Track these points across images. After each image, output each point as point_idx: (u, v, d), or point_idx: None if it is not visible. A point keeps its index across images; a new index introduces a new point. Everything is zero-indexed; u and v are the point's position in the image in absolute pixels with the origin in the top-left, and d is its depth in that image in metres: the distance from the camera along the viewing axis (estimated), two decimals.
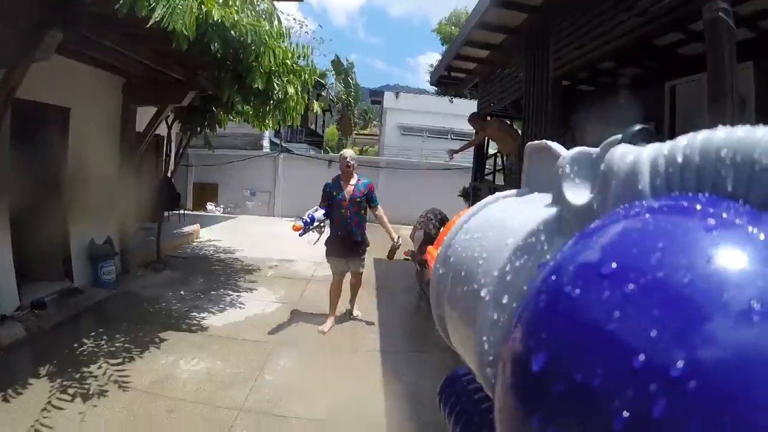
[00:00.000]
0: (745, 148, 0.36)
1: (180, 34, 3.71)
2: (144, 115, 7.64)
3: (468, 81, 9.24)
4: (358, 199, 5.42)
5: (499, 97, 7.46)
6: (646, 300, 0.30)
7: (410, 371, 4.70)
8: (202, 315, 5.83)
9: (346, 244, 5.47)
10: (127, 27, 4.98)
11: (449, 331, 0.63)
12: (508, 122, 7.88)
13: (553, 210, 0.53)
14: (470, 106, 22.75)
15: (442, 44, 31.64)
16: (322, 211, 5.36)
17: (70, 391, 3.84)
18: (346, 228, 5.40)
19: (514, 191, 0.68)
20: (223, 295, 6.74)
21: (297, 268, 8.78)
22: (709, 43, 3.04)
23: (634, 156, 0.43)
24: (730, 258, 0.30)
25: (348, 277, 5.78)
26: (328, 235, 5.52)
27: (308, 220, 5.23)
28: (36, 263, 6.21)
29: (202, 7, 3.93)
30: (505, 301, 0.50)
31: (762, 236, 0.31)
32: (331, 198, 5.44)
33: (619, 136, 0.48)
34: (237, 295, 6.76)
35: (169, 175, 9.37)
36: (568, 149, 0.60)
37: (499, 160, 9.63)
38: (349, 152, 5.72)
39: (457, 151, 8.79)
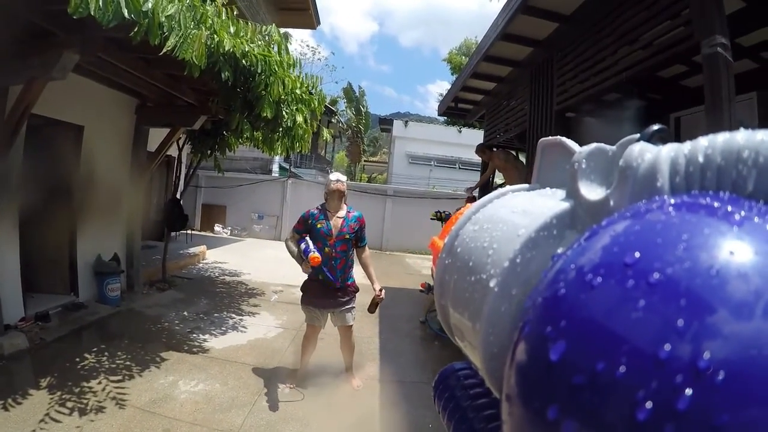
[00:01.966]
0: (766, 149, 0.36)
1: (193, 63, 3.85)
2: (155, 135, 7.81)
3: (475, 112, 9.35)
4: (347, 236, 4.42)
5: (504, 129, 7.54)
6: (672, 290, 0.29)
7: (407, 400, 4.69)
8: (203, 337, 5.86)
9: (327, 292, 4.49)
10: (141, 52, 5.15)
11: (452, 322, 0.61)
12: (514, 153, 7.95)
13: (566, 205, 0.53)
14: (478, 136, 22.88)
15: (452, 73, 31.87)
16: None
17: (69, 404, 3.89)
18: (329, 270, 4.39)
19: (525, 185, 0.67)
20: (226, 317, 6.76)
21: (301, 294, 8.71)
22: (707, 77, 3.10)
23: (654, 154, 0.43)
24: (755, 252, 0.30)
25: (329, 333, 4.98)
26: (307, 279, 4.58)
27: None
28: (42, 276, 6.33)
29: (215, 36, 4.07)
30: (513, 293, 0.49)
31: None
32: (312, 230, 4.40)
33: (637, 135, 0.49)
34: (239, 319, 6.79)
35: (178, 195, 9.49)
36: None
37: None
38: (340, 176, 4.59)
39: (474, 188, 8.85)
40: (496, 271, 0.50)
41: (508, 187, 0.67)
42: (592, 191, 0.51)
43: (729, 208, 0.34)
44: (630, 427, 0.27)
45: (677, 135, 6.10)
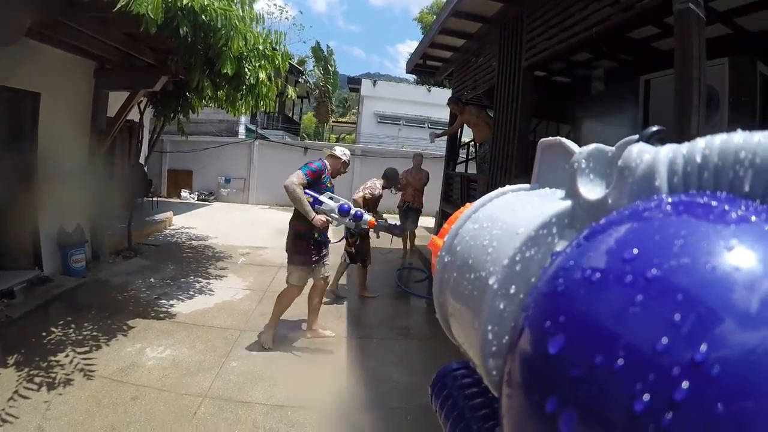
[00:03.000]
0: (764, 151, 0.37)
1: (149, 18, 3.66)
2: (116, 100, 7.50)
3: (444, 69, 9.27)
4: None
5: (472, 86, 7.49)
6: (669, 284, 0.30)
7: (374, 357, 4.77)
8: (170, 302, 5.80)
9: (319, 249, 4.77)
10: (95, 10, 4.89)
11: (450, 320, 0.61)
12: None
13: (566, 204, 0.53)
14: (447, 95, 22.82)
15: (423, 33, 31.52)
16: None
17: (37, 380, 3.80)
18: (325, 229, 4.70)
19: (524, 185, 0.67)
20: (193, 282, 6.70)
21: (268, 255, 8.76)
22: (678, 34, 3.07)
23: (652, 154, 0.44)
24: (751, 249, 0.30)
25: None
26: (301, 238, 4.68)
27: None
28: (4, 252, 6.13)
29: None
30: (512, 291, 0.49)
31: None
32: (319, 186, 4.60)
33: (636, 136, 0.48)
34: (206, 282, 6.73)
35: (141, 161, 9.24)
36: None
37: (472, 150, 9.68)
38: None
39: (439, 135, 8.90)
40: (496, 268, 0.51)
41: (507, 187, 0.67)
42: (591, 191, 0.51)
43: (726, 207, 0.34)
44: (627, 419, 0.27)
45: (647, 97, 6.13)
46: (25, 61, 5.62)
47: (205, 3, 4.26)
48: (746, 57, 4.84)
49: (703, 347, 0.27)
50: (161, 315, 5.38)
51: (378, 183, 6.58)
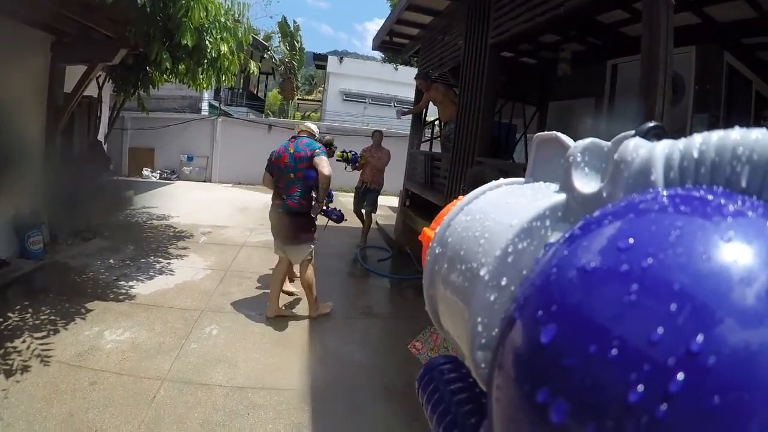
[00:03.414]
0: (761, 147, 0.37)
1: None
2: (73, 75, 7.21)
3: (410, 47, 9.22)
4: None
5: (438, 63, 7.45)
6: (665, 274, 0.30)
7: (336, 337, 4.78)
8: (130, 283, 5.68)
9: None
10: None
11: (440, 311, 0.61)
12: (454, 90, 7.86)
13: (560, 197, 0.53)
14: (415, 74, 22.80)
15: (392, 10, 31.19)
16: None
17: None
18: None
19: (519, 179, 0.67)
20: (153, 262, 6.57)
21: (230, 234, 8.67)
22: (647, 16, 3.11)
23: (648, 149, 0.44)
24: (747, 242, 0.30)
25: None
26: (308, 216, 4.92)
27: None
28: None
29: None
30: (504, 282, 0.49)
31: None
32: None
33: (633, 131, 0.48)
34: (167, 263, 6.61)
35: (101, 138, 8.97)
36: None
37: (437, 129, 9.67)
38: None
39: (406, 113, 8.81)
40: (488, 260, 0.51)
41: (501, 180, 0.67)
42: (585, 184, 0.52)
43: (722, 201, 0.34)
44: (621, 409, 0.27)
45: (613, 82, 6.22)
46: None
47: None
48: (714, 47, 4.93)
49: (700, 338, 0.27)
50: (120, 297, 5.27)
51: None
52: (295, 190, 4.70)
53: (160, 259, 6.74)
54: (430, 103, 8.27)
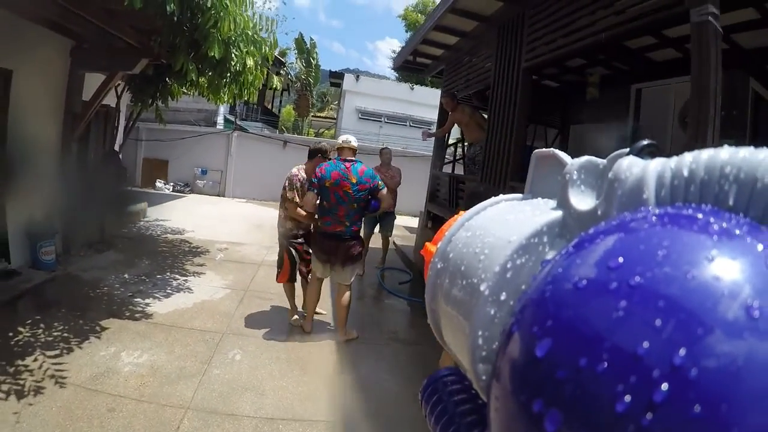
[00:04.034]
0: (748, 166, 0.38)
1: None
2: (91, 83, 7.13)
3: (433, 67, 9.12)
4: None
5: (464, 85, 7.35)
6: (651, 292, 0.31)
7: (364, 363, 4.57)
8: (146, 301, 5.48)
9: None
10: None
11: (442, 325, 0.63)
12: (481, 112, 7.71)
13: (557, 214, 0.54)
14: (430, 93, 22.85)
15: (407, 31, 31.40)
16: None
17: (4, 387, 3.50)
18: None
19: (517, 195, 0.69)
20: (170, 279, 6.39)
21: (247, 251, 8.50)
22: (696, 46, 3.07)
23: (641, 167, 0.45)
24: (731, 260, 0.32)
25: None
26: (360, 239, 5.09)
27: None
28: None
29: None
30: (503, 297, 0.51)
31: (759, 246, 0.33)
32: None
33: (627, 149, 0.50)
34: (184, 280, 6.41)
35: (116, 148, 8.88)
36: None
37: (460, 150, 9.53)
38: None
39: (432, 134, 8.56)
40: (487, 275, 0.52)
41: (501, 196, 0.71)
42: (581, 201, 0.53)
43: (709, 219, 0.36)
44: (609, 419, 0.29)
45: (637, 106, 6.16)
46: None
47: None
48: (740, 73, 4.94)
49: (682, 352, 0.28)
50: (137, 315, 5.07)
51: (295, 168, 5.16)
52: (357, 218, 4.79)
53: (177, 276, 6.56)
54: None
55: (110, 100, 7.92)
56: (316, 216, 4.81)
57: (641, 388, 0.28)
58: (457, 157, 9.59)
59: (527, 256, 0.52)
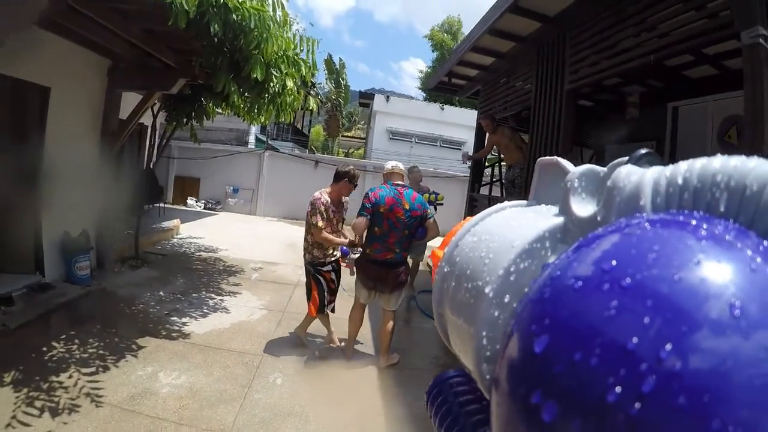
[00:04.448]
0: (738, 175, 0.40)
1: (180, 10, 3.37)
2: (127, 101, 7.24)
3: (468, 88, 9.06)
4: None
5: (503, 107, 7.25)
6: (641, 292, 0.33)
7: (407, 390, 4.40)
8: (182, 320, 5.42)
9: None
10: (116, 2, 4.64)
11: (448, 327, 0.65)
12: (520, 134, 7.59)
13: (559, 220, 0.57)
14: (461, 114, 22.82)
15: (433, 51, 31.62)
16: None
17: (38, 404, 3.44)
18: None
19: (522, 201, 0.72)
20: (205, 298, 6.33)
21: (282, 271, 8.42)
22: (748, 67, 3.07)
23: (638, 176, 0.48)
24: (717, 263, 0.34)
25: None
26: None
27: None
28: (4, 254, 5.78)
29: None
30: (506, 300, 0.53)
31: (748, 251, 0.35)
32: None
33: (626, 158, 0.52)
34: (220, 299, 6.35)
35: (151, 166, 8.96)
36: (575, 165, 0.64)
37: (497, 170, 9.42)
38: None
39: (472, 157, 8.40)
40: (492, 278, 0.55)
41: (506, 203, 0.72)
42: (582, 208, 0.56)
43: (699, 225, 0.38)
44: (601, 408, 0.31)
45: (674, 125, 6.04)
46: (35, 53, 5.34)
47: (240, 0, 3.99)
48: None
49: (669, 347, 0.30)
50: (173, 334, 5.00)
51: (318, 192, 4.87)
52: (407, 244, 4.68)
53: (213, 295, 6.50)
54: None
55: (145, 118, 8.01)
56: (363, 242, 4.70)
57: (631, 380, 0.30)
58: (494, 179, 9.47)
59: (530, 260, 0.55)
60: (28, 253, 6.04)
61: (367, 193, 4.62)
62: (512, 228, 0.60)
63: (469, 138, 21.72)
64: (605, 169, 0.56)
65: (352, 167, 4.96)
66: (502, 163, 8.79)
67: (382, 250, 4.56)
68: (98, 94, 6.85)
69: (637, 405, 0.29)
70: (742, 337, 0.30)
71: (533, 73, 6.05)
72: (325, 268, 4.86)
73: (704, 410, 0.28)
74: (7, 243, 5.80)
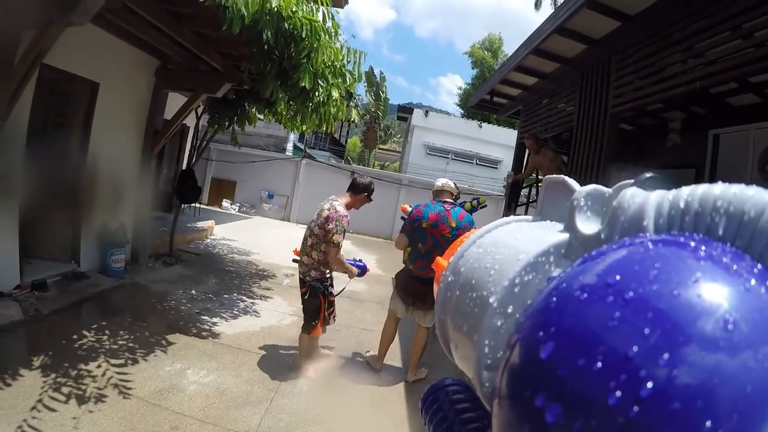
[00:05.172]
0: (738, 201, 0.42)
1: (234, 16, 3.43)
2: (172, 101, 7.41)
3: (509, 107, 8.99)
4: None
5: (544, 128, 7.17)
6: (642, 305, 0.35)
7: None
8: (213, 320, 5.45)
9: None
10: (171, 3, 4.74)
11: (449, 335, 0.66)
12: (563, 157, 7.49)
13: (564, 236, 0.59)
14: (499, 132, 22.73)
15: (473, 68, 31.62)
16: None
17: (65, 390, 3.48)
18: None
19: (528, 217, 0.73)
20: (236, 300, 6.37)
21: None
22: None
23: (642, 197, 0.49)
24: (713, 282, 0.36)
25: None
26: None
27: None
28: (42, 241, 5.91)
29: None
30: (510, 310, 0.55)
31: (744, 273, 0.37)
32: None
33: (632, 181, 0.53)
34: (251, 302, 6.37)
35: (191, 167, 9.14)
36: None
37: (534, 192, 9.32)
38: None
39: (515, 179, 8.30)
40: (496, 289, 0.56)
41: (512, 217, 0.74)
42: (587, 226, 0.57)
43: (698, 246, 0.40)
44: (602, 410, 0.32)
45: (715, 152, 5.92)
46: (86, 49, 5.50)
47: (294, 9, 4.04)
48: None
49: (666, 356, 0.32)
50: (203, 333, 5.04)
51: (339, 206, 4.43)
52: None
53: (244, 298, 6.53)
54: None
55: (188, 119, 8.14)
56: (407, 258, 4.60)
57: (630, 385, 0.32)
58: (531, 200, 9.37)
59: (534, 273, 0.56)
60: (65, 242, 6.17)
61: (411, 211, 4.58)
62: (518, 241, 0.62)
63: (505, 157, 21.64)
64: (611, 190, 0.57)
65: (370, 179, 4.72)
66: (540, 184, 8.69)
67: (425, 267, 4.43)
68: (145, 92, 7.03)
69: (635, 408, 0.31)
70: (733, 350, 0.32)
71: (576, 95, 5.96)
72: (327, 284, 4.52)
73: (697, 414, 0.30)
74: (46, 230, 5.93)
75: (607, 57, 5.29)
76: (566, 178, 0.67)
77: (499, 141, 22.54)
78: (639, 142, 7.71)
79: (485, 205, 7.40)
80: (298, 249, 4.56)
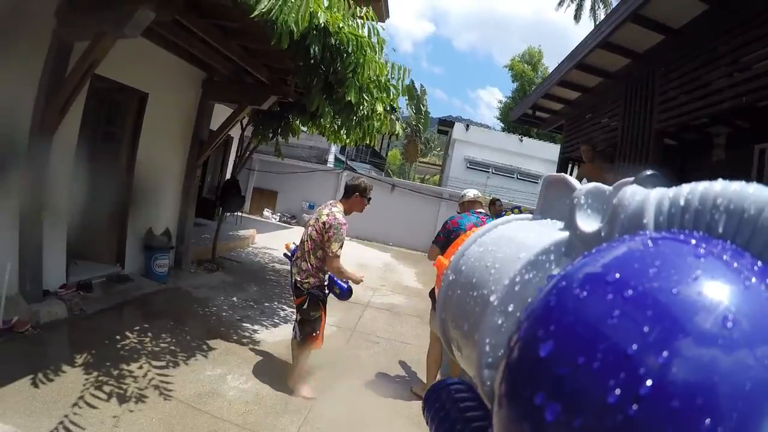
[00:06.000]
0: (738, 199, 0.42)
1: (283, 32, 3.51)
2: (218, 113, 7.61)
3: (551, 122, 8.91)
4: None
5: (586, 142, 7.07)
6: (641, 303, 0.35)
7: None
8: (254, 327, 5.53)
9: None
10: (220, 18, 4.88)
11: (450, 334, 0.66)
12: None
13: (564, 234, 0.58)
14: (540, 147, 22.50)
15: (513, 81, 31.44)
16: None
17: (106, 388, 3.59)
18: None
19: (528, 215, 0.73)
20: (277, 309, 6.45)
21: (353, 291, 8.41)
22: None
23: (643, 195, 0.49)
24: (712, 279, 0.36)
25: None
26: None
27: None
28: (89, 243, 6.10)
29: (310, 5, 3.74)
30: (510, 308, 0.55)
31: (744, 270, 0.37)
32: None
33: (632, 179, 0.52)
34: (291, 311, 6.26)
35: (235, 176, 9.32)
36: None
37: None
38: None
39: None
40: (497, 287, 0.56)
41: (512, 216, 0.74)
42: (587, 224, 0.56)
43: (699, 244, 0.40)
44: (601, 408, 0.32)
45: (761, 168, 5.75)
46: (136, 60, 5.70)
47: (341, 25, 4.12)
48: None
49: (665, 353, 0.32)
50: (244, 340, 5.12)
51: (338, 213, 4.37)
52: None
53: (284, 307, 6.60)
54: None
55: (233, 130, 8.32)
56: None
57: (629, 383, 0.32)
58: None
59: (535, 271, 0.56)
60: (111, 245, 6.38)
61: (445, 221, 4.49)
62: (519, 240, 0.62)
63: (545, 172, 21.19)
64: (611, 188, 0.57)
65: (363, 179, 4.57)
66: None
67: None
68: (191, 104, 7.24)
69: (635, 406, 0.31)
70: (733, 347, 0.32)
71: (620, 110, 5.89)
72: (325, 293, 4.42)
73: (696, 412, 0.30)
74: (93, 233, 6.14)
75: (651, 71, 5.22)
76: (566, 176, 0.67)
77: (540, 156, 22.30)
78: (682, 158, 7.54)
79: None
80: (289, 244, 4.67)
